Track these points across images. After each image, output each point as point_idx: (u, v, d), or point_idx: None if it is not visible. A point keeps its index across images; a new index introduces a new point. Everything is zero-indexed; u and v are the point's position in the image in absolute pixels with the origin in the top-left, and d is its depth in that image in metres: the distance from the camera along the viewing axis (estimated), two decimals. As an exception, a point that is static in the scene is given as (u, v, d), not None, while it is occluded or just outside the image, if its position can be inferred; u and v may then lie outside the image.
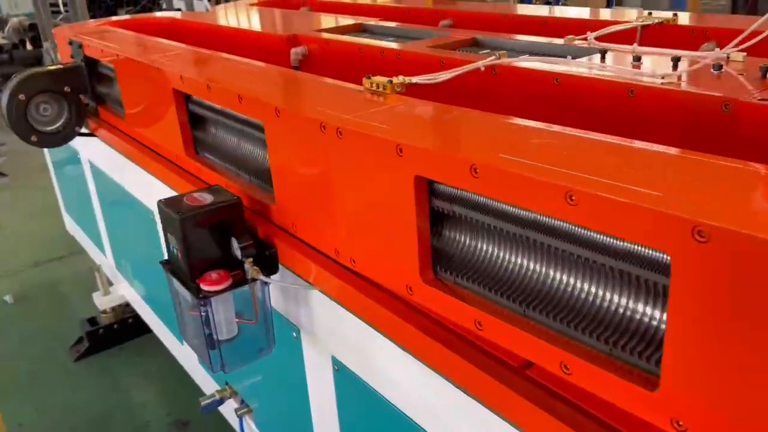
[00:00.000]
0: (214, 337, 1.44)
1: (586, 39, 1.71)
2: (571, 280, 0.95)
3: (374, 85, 1.35)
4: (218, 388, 2.33)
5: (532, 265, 1.00)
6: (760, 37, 1.28)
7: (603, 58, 1.48)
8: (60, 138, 2.53)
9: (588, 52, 1.57)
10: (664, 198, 0.72)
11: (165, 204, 1.43)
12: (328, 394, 1.60)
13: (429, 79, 1.40)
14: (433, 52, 1.77)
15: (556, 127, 1.04)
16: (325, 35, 2.19)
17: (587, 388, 0.87)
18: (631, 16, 2.05)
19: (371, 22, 2.42)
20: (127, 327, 3.49)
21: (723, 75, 1.27)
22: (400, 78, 1.34)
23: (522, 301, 0.98)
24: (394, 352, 1.27)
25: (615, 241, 0.85)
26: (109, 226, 3.19)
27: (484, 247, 1.06)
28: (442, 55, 1.71)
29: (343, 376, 1.50)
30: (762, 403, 0.67)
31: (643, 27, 1.84)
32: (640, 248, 0.82)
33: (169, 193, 2.14)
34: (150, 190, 2.34)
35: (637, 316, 0.85)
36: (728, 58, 1.35)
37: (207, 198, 1.44)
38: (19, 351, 3.50)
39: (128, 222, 2.82)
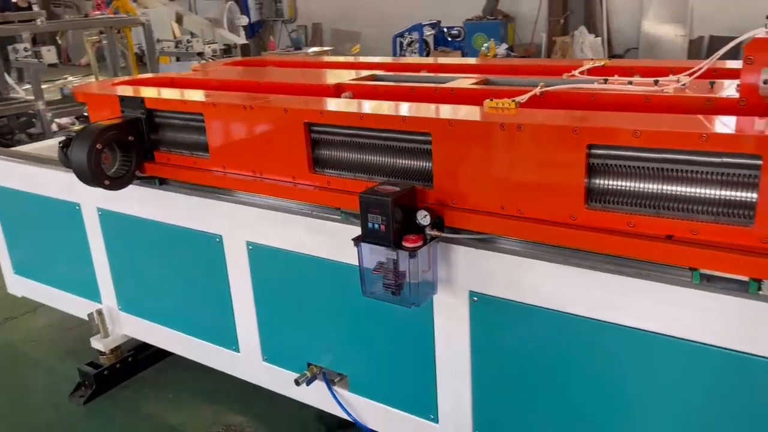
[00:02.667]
0: (411, 281, 2.06)
1: (573, 75, 2.64)
2: (677, 187, 1.79)
3: (499, 104, 2.12)
4: (295, 374, 2.80)
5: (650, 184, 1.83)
6: (700, 69, 2.27)
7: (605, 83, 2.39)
8: (124, 181, 2.87)
9: (590, 81, 2.48)
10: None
11: (370, 193, 2.04)
12: (461, 327, 2.27)
13: (519, 101, 2.20)
14: (477, 88, 2.58)
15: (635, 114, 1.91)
16: (364, 83, 2.89)
17: (711, 238, 1.71)
18: (575, 62, 3.04)
19: (379, 72, 3.16)
20: (128, 365, 3.68)
21: (688, 88, 2.24)
22: (516, 99, 2.13)
23: (652, 206, 1.81)
24: (541, 268, 2.03)
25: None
26: (118, 271, 3.43)
27: (612, 181, 1.88)
28: (489, 89, 2.52)
29: (483, 304, 2.20)
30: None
31: (594, 67, 2.82)
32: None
33: (252, 214, 2.67)
34: (225, 215, 2.80)
35: (731, 197, 1.72)
36: (678, 80, 2.34)
37: (393, 188, 2.08)
38: (16, 409, 3.50)
39: (168, 256, 3.14)
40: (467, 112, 2.15)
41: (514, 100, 2.11)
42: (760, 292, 1.72)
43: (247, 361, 3.06)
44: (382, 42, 13.44)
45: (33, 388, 3.68)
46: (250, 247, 2.79)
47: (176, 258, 3.14)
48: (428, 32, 10.91)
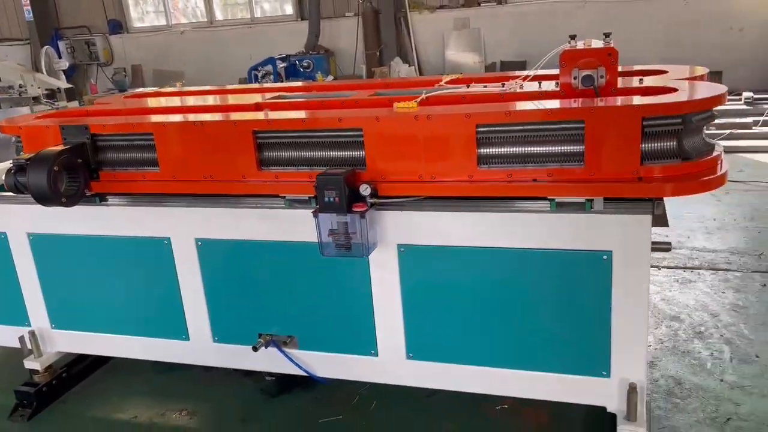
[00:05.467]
0: (362, 238, 2.78)
1: (442, 85, 3.54)
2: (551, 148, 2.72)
3: (405, 105, 2.93)
4: (248, 347, 3.35)
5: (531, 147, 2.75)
6: (528, 76, 3.28)
7: (468, 87, 3.32)
8: (76, 198, 3.25)
9: (457, 87, 3.38)
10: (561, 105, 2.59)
11: (324, 175, 2.73)
12: (392, 273, 3.01)
13: (417, 102, 3.03)
14: (377, 98, 3.38)
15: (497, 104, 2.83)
16: (278, 101, 3.56)
17: (561, 178, 2.65)
18: (433, 78, 3.97)
19: (282, 93, 3.84)
20: (63, 380, 3.91)
21: (524, 88, 3.22)
22: (416, 100, 2.96)
23: (521, 161, 2.72)
24: (450, 217, 2.85)
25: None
26: (50, 291, 3.69)
27: (493, 148, 2.76)
28: (388, 97, 3.33)
29: (408, 253, 2.96)
30: (616, 149, 2.57)
31: (451, 80, 3.76)
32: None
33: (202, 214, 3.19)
34: (173, 218, 3.29)
35: (570, 150, 2.67)
36: (517, 83, 3.33)
37: (340, 170, 2.79)
38: (-47, 438, 3.59)
39: (110, 266, 3.50)
40: (386, 112, 2.94)
41: (415, 101, 2.94)
42: (592, 209, 2.69)
43: (197, 347, 3.52)
44: (206, 79, 13.83)
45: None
46: (199, 243, 3.30)
47: (119, 267, 3.51)
48: (281, 65, 11.99)
